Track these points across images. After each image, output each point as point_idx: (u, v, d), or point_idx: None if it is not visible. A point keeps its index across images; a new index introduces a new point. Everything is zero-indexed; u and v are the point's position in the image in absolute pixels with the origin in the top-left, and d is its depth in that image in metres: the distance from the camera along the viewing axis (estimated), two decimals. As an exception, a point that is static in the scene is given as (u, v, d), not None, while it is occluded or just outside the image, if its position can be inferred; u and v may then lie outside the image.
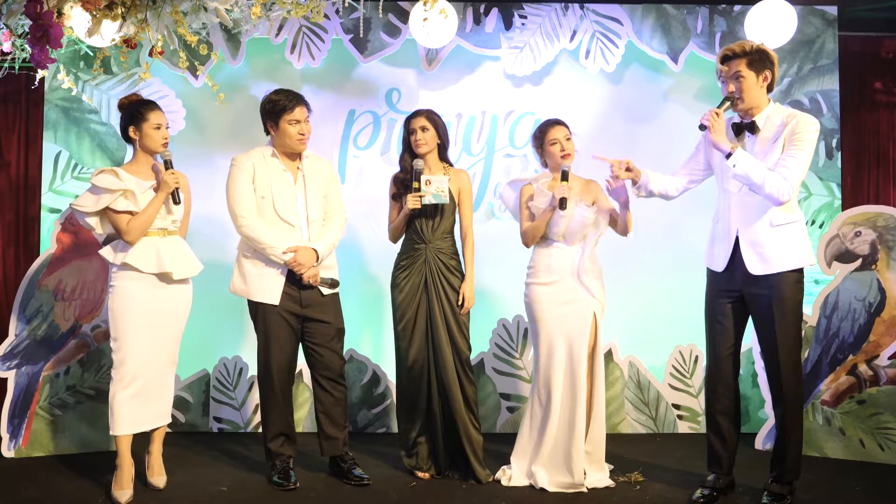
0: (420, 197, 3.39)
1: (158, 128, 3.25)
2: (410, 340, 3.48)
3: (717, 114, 3.01)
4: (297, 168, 3.45)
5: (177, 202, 3.27)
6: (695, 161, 3.32)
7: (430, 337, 3.48)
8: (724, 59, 3.08)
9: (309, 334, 3.44)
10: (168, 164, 3.27)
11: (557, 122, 3.46)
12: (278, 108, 3.37)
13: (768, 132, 3.05)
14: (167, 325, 3.30)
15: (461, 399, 3.44)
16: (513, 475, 3.41)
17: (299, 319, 3.41)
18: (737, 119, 3.16)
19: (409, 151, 3.54)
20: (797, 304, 3.08)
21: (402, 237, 3.60)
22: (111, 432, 3.23)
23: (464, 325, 3.50)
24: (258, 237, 3.34)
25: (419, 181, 3.40)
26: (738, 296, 3.13)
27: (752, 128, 3.08)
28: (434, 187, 3.39)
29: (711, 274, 3.24)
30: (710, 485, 3.20)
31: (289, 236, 3.37)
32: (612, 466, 3.51)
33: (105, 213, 3.20)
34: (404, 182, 3.52)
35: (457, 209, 3.57)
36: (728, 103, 3.08)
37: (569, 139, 3.42)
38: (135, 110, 3.25)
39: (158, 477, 3.35)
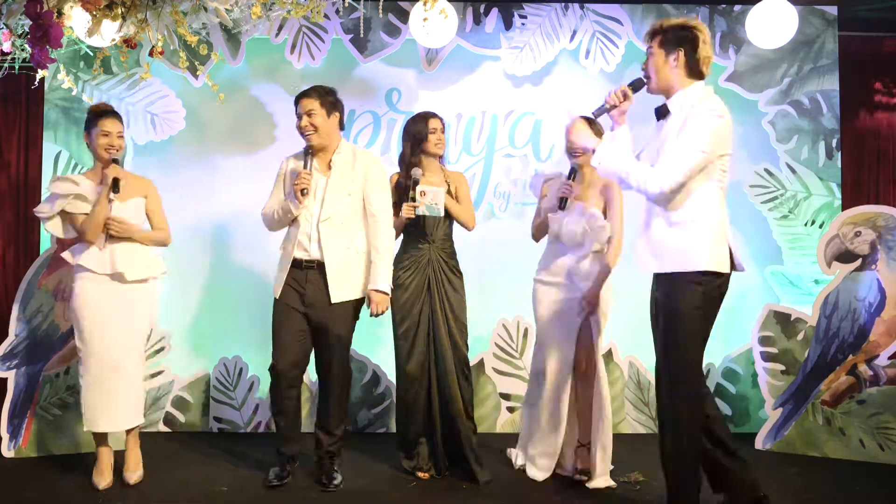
0: (414, 207, 3.40)
1: (106, 135, 3.34)
2: (414, 341, 3.46)
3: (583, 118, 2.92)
4: (329, 164, 3.37)
5: (115, 191, 3.30)
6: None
7: (431, 338, 3.48)
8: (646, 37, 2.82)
9: (313, 334, 3.41)
10: (115, 162, 3.35)
11: (576, 120, 3.19)
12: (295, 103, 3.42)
13: (676, 118, 2.74)
14: (126, 325, 3.36)
15: (460, 400, 3.45)
16: (517, 455, 3.59)
17: (305, 317, 3.36)
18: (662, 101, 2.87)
19: (420, 150, 3.50)
20: (689, 312, 2.69)
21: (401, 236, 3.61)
22: (85, 428, 3.37)
23: (463, 326, 3.51)
24: (268, 215, 3.41)
25: (415, 190, 3.40)
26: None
27: (666, 111, 2.80)
28: (429, 199, 3.39)
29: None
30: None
31: (295, 234, 3.34)
32: (611, 466, 3.50)
33: (66, 217, 3.34)
34: (406, 189, 3.46)
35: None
36: (631, 87, 2.83)
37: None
38: (89, 118, 3.38)
39: (133, 472, 3.39)
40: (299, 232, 3.32)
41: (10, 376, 3.83)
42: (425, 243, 3.50)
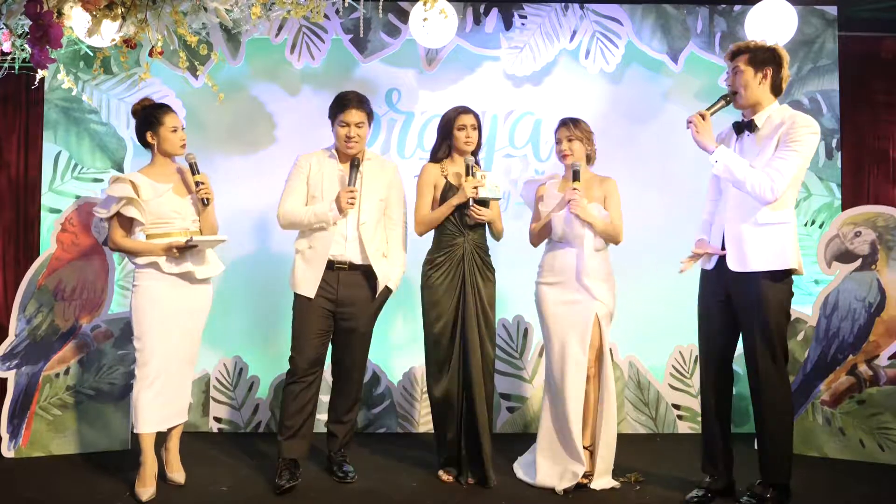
0: (476, 187, 3.35)
1: (175, 130, 3.30)
2: (441, 338, 3.41)
3: (702, 115, 3.03)
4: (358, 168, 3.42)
5: (205, 204, 3.33)
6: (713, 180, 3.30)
7: (459, 335, 3.41)
8: (731, 55, 3.10)
9: (335, 330, 3.47)
10: (194, 169, 3.33)
11: (563, 123, 3.46)
12: (333, 109, 3.44)
13: (766, 131, 3.03)
14: (188, 324, 3.34)
15: (483, 400, 3.39)
16: (531, 465, 3.46)
17: (332, 315, 3.42)
18: (739, 118, 3.16)
19: (450, 147, 3.50)
20: (780, 308, 3.01)
21: (432, 231, 3.55)
22: (135, 430, 3.27)
23: (492, 326, 3.46)
24: (295, 217, 3.40)
25: (474, 175, 3.37)
26: (725, 297, 3.12)
27: (752, 126, 3.07)
28: (490, 182, 3.37)
29: (703, 274, 3.24)
30: (706, 486, 3.22)
31: (330, 235, 3.36)
32: (611, 467, 3.51)
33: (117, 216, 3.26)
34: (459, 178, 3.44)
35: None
36: (721, 102, 3.09)
37: (571, 140, 3.41)
38: (150, 115, 3.30)
39: (178, 473, 3.39)
40: (335, 234, 3.37)
41: (10, 376, 3.83)
42: (460, 236, 3.44)
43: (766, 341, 3.01)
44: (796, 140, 2.92)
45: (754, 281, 2.99)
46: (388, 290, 3.47)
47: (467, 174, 3.37)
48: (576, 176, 3.34)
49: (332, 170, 3.43)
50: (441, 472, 3.49)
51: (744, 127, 3.10)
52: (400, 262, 3.51)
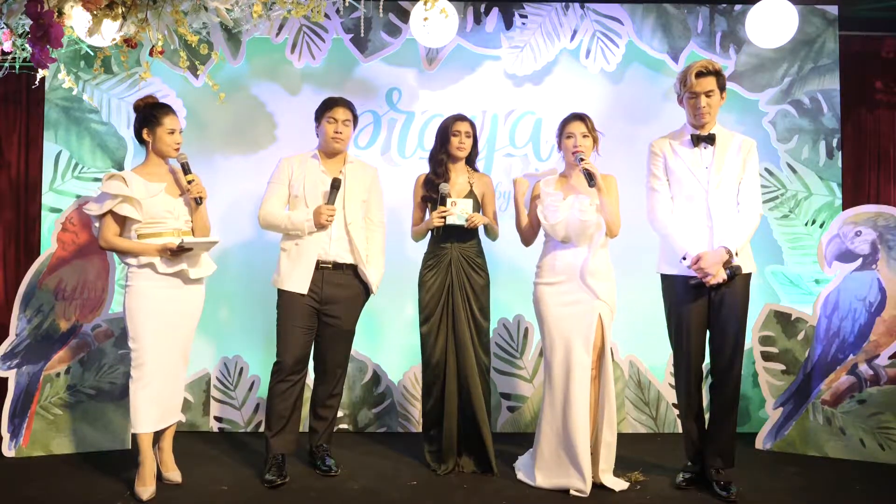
0: (444, 217, 3.47)
1: (172, 133, 3.30)
2: (436, 338, 3.55)
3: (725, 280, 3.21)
4: (340, 171, 3.52)
5: (199, 203, 3.34)
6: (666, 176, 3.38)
7: (453, 335, 3.55)
8: (698, 75, 3.23)
9: (319, 328, 3.52)
10: (186, 168, 3.32)
11: (577, 117, 3.43)
12: (320, 109, 3.53)
13: (722, 145, 3.28)
14: (181, 324, 3.33)
15: (481, 391, 3.51)
16: (530, 471, 3.45)
17: (316, 313, 3.48)
18: (686, 124, 3.36)
19: (445, 153, 3.61)
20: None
21: (427, 237, 3.70)
22: (133, 430, 3.28)
23: (484, 334, 3.57)
24: (273, 220, 3.47)
25: (445, 204, 3.49)
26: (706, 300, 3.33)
27: (711, 139, 3.29)
28: (459, 209, 3.49)
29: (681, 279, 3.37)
30: (690, 469, 3.41)
31: (316, 234, 3.43)
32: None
33: (116, 217, 3.24)
34: (434, 202, 3.57)
35: (481, 210, 3.65)
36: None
37: (585, 136, 3.38)
38: (150, 113, 3.30)
39: (173, 472, 3.40)
40: (321, 233, 3.44)
41: (11, 376, 3.83)
42: (447, 243, 3.57)
43: (739, 340, 3.29)
44: (755, 164, 3.30)
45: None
46: (368, 293, 3.59)
47: (440, 203, 3.50)
48: (591, 181, 3.27)
49: (313, 171, 3.51)
50: (429, 460, 3.61)
51: (702, 140, 3.28)
52: (380, 265, 3.61)
